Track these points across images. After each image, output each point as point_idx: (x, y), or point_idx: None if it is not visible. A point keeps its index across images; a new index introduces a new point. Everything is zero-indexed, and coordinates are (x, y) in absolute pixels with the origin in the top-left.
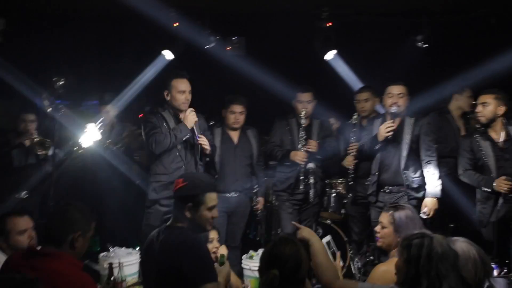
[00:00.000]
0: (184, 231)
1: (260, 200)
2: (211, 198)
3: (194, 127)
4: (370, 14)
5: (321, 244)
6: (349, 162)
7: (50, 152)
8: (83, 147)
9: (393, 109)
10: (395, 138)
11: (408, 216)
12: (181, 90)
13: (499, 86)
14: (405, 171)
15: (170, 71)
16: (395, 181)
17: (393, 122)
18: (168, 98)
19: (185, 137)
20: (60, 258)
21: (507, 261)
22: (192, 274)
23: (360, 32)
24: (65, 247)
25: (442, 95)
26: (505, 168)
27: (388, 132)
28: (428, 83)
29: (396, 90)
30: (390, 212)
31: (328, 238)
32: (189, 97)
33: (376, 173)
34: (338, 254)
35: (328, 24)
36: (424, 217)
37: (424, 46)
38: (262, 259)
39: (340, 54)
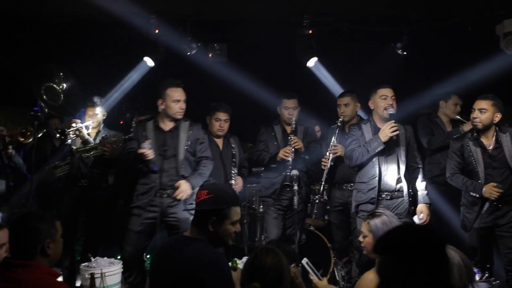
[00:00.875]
0: (206, 245)
1: (238, 178)
2: (236, 212)
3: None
4: (350, 22)
5: None
6: (324, 162)
7: (19, 161)
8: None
9: (391, 110)
10: (394, 142)
11: (384, 222)
12: (176, 99)
13: (478, 92)
14: (405, 179)
15: (164, 80)
16: (394, 187)
17: (395, 123)
18: (163, 107)
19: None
20: (38, 269)
21: (488, 266)
22: None
23: (341, 39)
24: (38, 258)
25: (422, 101)
26: (493, 177)
27: (393, 132)
28: (407, 90)
29: (389, 92)
30: (367, 220)
31: (305, 259)
32: (184, 106)
33: (376, 178)
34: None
35: (309, 32)
36: (419, 223)
37: (403, 53)
38: (244, 271)
39: (321, 61)
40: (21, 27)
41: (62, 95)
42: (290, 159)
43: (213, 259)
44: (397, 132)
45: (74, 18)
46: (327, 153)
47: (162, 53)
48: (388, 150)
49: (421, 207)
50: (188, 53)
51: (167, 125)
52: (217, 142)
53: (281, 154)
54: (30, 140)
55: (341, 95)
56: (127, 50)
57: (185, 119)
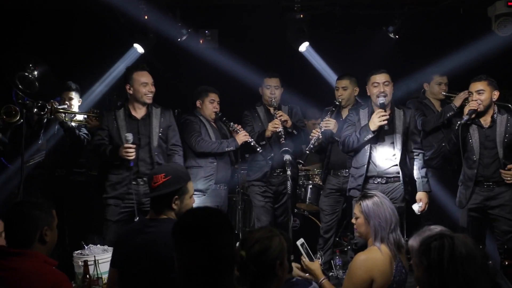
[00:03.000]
0: (172, 220)
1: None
2: (191, 185)
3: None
4: (341, 6)
5: None
6: (314, 132)
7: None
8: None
9: (381, 99)
10: (389, 127)
11: (375, 203)
12: (144, 82)
13: (470, 74)
14: (401, 165)
15: (130, 65)
16: (389, 172)
17: (385, 111)
18: (131, 92)
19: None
20: (33, 257)
21: (481, 247)
22: None
23: (332, 23)
24: (36, 245)
25: (416, 84)
26: (484, 156)
27: (382, 121)
28: (400, 74)
29: (380, 78)
30: (359, 202)
31: (301, 240)
32: (153, 89)
33: (364, 166)
34: (317, 257)
35: (301, 16)
36: (419, 212)
37: (395, 37)
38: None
39: (313, 45)
40: (4, 16)
41: (36, 82)
42: (281, 129)
43: None
44: (386, 122)
45: (60, 5)
46: (319, 125)
47: (152, 39)
48: (383, 135)
49: (420, 194)
50: (179, 39)
51: (139, 113)
52: (214, 125)
53: (270, 127)
54: (17, 119)
55: (340, 78)
56: (116, 38)
57: (156, 106)
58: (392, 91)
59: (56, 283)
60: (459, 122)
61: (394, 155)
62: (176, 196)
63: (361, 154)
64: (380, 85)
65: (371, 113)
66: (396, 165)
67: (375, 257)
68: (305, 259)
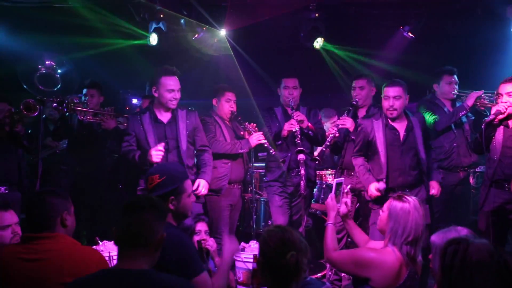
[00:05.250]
0: (168, 226)
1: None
2: (189, 184)
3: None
4: (357, 5)
5: None
6: (330, 130)
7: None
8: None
9: (391, 114)
10: (410, 137)
11: (403, 208)
12: (170, 89)
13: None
14: (423, 167)
15: (160, 67)
16: (411, 182)
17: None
18: (157, 95)
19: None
20: (61, 238)
21: (501, 255)
22: (179, 271)
23: (348, 23)
24: (59, 229)
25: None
26: (506, 156)
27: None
28: (415, 74)
29: (389, 92)
30: (392, 198)
31: (341, 180)
32: (178, 95)
33: (383, 179)
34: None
35: (316, 15)
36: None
37: (411, 37)
38: (275, 247)
39: (327, 45)
40: (22, 13)
41: (59, 80)
42: (297, 129)
43: (173, 241)
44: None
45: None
46: (336, 123)
47: (170, 38)
48: (407, 147)
49: (433, 184)
50: (193, 38)
51: (165, 116)
52: (230, 125)
53: (286, 127)
54: (36, 114)
55: (357, 77)
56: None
57: (181, 108)
58: (403, 104)
59: (100, 258)
60: (484, 120)
61: (418, 163)
62: (172, 197)
63: (377, 167)
64: (390, 99)
65: (384, 123)
66: (420, 172)
67: (384, 259)
68: (330, 197)
